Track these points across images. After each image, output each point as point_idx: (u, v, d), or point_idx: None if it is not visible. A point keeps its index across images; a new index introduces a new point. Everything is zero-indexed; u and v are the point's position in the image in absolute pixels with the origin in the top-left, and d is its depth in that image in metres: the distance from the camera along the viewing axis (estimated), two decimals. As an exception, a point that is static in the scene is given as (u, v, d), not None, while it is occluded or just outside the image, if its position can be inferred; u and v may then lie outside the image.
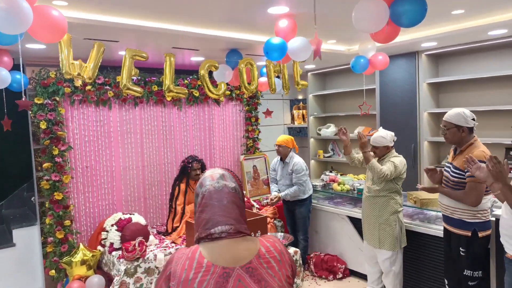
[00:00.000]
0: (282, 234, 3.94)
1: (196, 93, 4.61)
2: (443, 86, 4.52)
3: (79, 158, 3.95)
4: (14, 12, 1.61)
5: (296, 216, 4.21)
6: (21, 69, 1.91)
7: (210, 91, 3.18)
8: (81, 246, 3.63)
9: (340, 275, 4.07)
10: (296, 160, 4.17)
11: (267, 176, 5.33)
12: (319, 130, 5.65)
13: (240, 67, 3.33)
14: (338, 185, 4.30)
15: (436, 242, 3.35)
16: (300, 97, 6.25)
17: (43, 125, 3.64)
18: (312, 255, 4.27)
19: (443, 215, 2.93)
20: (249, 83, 3.48)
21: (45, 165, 3.68)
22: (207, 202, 1.15)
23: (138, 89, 2.81)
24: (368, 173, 3.72)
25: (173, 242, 3.80)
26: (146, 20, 2.83)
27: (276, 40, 2.70)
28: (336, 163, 5.65)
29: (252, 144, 5.24)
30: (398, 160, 3.39)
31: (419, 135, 4.39)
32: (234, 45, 3.57)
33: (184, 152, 4.68)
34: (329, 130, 5.49)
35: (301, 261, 3.76)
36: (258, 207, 4.64)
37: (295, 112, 6.16)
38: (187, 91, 3.05)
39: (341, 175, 4.98)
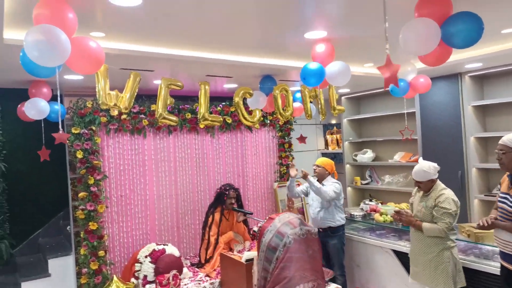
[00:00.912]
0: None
1: (228, 120, 4.56)
2: (490, 109, 4.24)
3: (113, 187, 3.94)
4: (52, 45, 1.60)
5: (329, 249, 3.95)
6: (59, 100, 1.90)
7: (245, 118, 3.10)
8: (115, 278, 3.54)
9: (385, 314, 3.76)
10: (332, 182, 4.01)
11: (302, 205, 5.13)
12: (355, 155, 5.43)
13: (275, 93, 3.25)
14: (381, 215, 4.05)
15: (494, 281, 3.02)
16: (333, 121, 6.09)
17: (79, 155, 3.67)
18: (352, 291, 3.99)
19: (501, 251, 2.65)
20: (283, 109, 3.39)
21: (81, 194, 3.69)
22: (291, 256, 0.97)
23: (174, 118, 2.77)
24: (415, 203, 3.47)
25: (207, 275, 3.65)
26: (180, 49, 2.83)
27: (313, 65, 2.61)
28: (375, 190, 5.39)
29: (285, 171, 5.09)
30: (448, 203, 3.10)
31: (466, 161, 4.10)
32: (268, 71, 3.51)
33: (217, 180, 4.59)
34: (366, 156, 5.27)
35: (342, 298, 3.50)
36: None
37: (328, 137, 5.99)
38: (221, 119, 2.98)
39: (381, 203, 4.71)
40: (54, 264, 3.99)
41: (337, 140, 5.96)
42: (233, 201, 3.96)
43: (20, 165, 4.59)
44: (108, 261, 3.84)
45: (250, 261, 3.14)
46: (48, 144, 3.53)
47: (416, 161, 4.63)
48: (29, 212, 4.66)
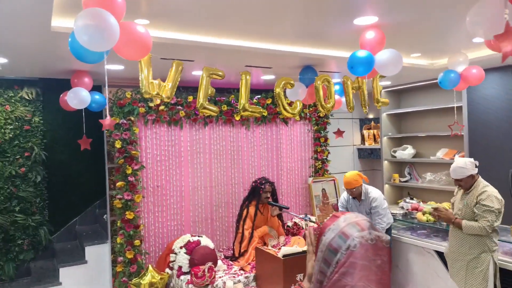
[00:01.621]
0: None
1: (264, 113, 4.47)
2: (547, 103, 3.94)
3: (150, 177, 3.95)
4: (102, 29, 1.56)
5: None
6: (106, 87, 1.86)
7: (285, 110, 3.00)
8: (150, 268, 3.56)
9: (427, 317, 3.59)
10: (374, 194, 3.68)
11: (337, 200, 4.99)
12: (394, 152, 5.22)
13: (317, 84, 3.13)
14: (423, 214, 3.86)
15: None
16: (371, 116, 5.88)
17: (118, 144, 3.69)
18: (391, 292, 3.82)
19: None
20: (325, 101, 3.26)
21: (119, 183, 3.71)
22: (355, 262, 0.85)
23: (214, 108, 2.70)
24: (456, 202, 3.29)
25: (241, 269, 3.60)
26: (220, 37, 2.76)
27: (362, 53, 2.47)
28: (414, 188, 5.17)
29: (321, 165, 4.96)
30: (491, 200, 2.92)
31: (519, 159, 3.84)
32: (309, 61, 3.38)
33: (251, 173, 4.53)
34: (406, 152, 5.05)
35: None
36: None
37: (365, 132, 5.79)
38: (261, 110, 2.90)
39: (422, 202, 4.50)
40: (91, 251, 4.06)
41: (374, 135, 5.75)
42: (268, 195, 3.89)
43: (60, 154, 4.69)
44: (143, 251, 3.86)
45: (287, 256, 3.07)
46: (88, 134, 3.57)
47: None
48: (67, 200, 4.76)
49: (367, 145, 5.75)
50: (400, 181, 5.17)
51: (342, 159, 5.61)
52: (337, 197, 5.00)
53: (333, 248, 0.89)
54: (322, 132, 4.96)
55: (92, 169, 4.85)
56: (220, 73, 2.67)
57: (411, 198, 4.40)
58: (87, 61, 1.77)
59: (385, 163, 5.29)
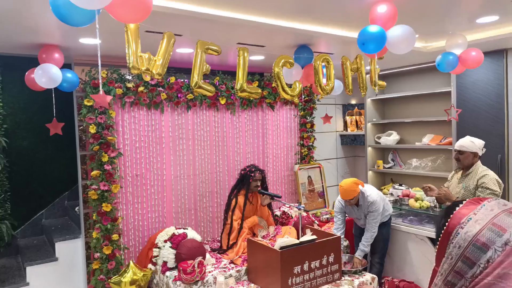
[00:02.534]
0: (348, 255, 3.46)
1: (262, 94, 4.21)
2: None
3: (128, 165, 3.60)
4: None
5: (376, 237, 3.65)
6: (98, 49, 1.53)
7: (285, 91, 2.76)
8: (131, 264, 3.26)
9: (420, 305, 3.55)
10: (372, 198, 3.41)
11: (322, 188, 4.86)
12: (378, 138, 5.15)
13: (316, 64, 2.91)
14: (416, 201, 3.78)
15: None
16: (353, 102, 5.77)
17: (92, 129, 3.32)
18: (383, 281, 3.75)
19: None
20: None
21: (94, 173, 3.35)
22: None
23: (210, 88, 2.42)
24: (451, 187, 3.23)
25: (231, 262, 3.37)
26: (211, 7, 2.47)
27: (374, 28, 2.27)
28: (396, 174, 5.13)
29: (307, 152, 4.79)
30: (494, 183, 2.90)
31: (507, 144, 3.84)
32: (305, 39, 3.15)
33: (236, 161, 4.28)
34: (391, 138, 4.98)
35: (378, 289, 3.26)
36: (318, 223, 4.17)
37: (348, 118, 5.68)
38: (260, 91, 2.65)
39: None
40: (62, 247, 3.67)
41: (356, 121, 5.66)
42: (258, 183, 3.66)
43: (22, 140, 4.22)
44: (122, 246, 3.54)
45: (285, 248, 2.87)
46: (59, 117, 3.17)
47: (448, 143, 4.37)
48: (32, 191, 4.31)
49: (349, 131, 5.65)
50: (384, 168, 5.12)
51: (325, 146, 5.49)
52: (322, 183, 4.86)
53: (481, 243, 0.69)
54: (309, 117, 4.78)
55: (60, 157, 4.41)
56: (216, 47, 2.39)
57: (400, 185, 4.33)
58: (73, 23, 1.44)
59: (369, 149, 5.21)
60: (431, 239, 3.56)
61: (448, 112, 3.40)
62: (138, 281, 3.20)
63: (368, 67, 3.24)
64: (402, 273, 3.82)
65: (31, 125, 4.19)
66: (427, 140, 4.65)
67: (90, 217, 3.48)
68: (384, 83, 3.36)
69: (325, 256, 3.07)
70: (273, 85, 4.22)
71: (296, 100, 2.86)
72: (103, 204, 3.37)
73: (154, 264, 3.34)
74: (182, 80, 3.81)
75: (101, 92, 1.51)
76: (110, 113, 3.41)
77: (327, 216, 4.27)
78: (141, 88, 3.52)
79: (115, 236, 3.43)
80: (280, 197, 3.62)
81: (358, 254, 3.43)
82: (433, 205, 3.70)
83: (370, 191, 3.48)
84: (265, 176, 3.76)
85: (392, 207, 3.90)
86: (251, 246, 3.18)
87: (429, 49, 3.81)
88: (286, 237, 3.26)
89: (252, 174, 3.61)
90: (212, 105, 4.05)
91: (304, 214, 3.77)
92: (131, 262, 3.28)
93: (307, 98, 4.69)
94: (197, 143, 4.00)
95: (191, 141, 3.96)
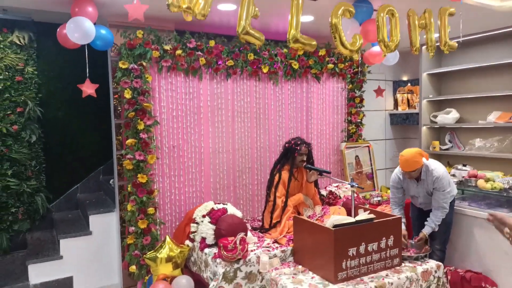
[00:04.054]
0: (412, 242, 3.05)
1: (295, 65, 3.86)
2: None
3: (165, 135, 3.36)
4: None
5: None
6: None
7: (343, 45, 2.39)
8: (168, 239, 3.02)
9: (491, 300, 3.10)
10: (437, 172, 3.00)
11: (371, 170, 4.44)
12: (435, 116, 4.64)
13: (379, 16, 2.51)
14: (486, 181, 3.31)
15: None
16: (405, 78, 5.28)
17: (127, 94, 3.08)
18: (445, 271, 3.31)
19: None
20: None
21: (129, 141, 3.13)
22: None
23: (259, 35, 2.10)
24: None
25: (275, 241, 3.06)
26: None
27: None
28: (454, 156, 4.61)
29: (355, 130, 4.38)
30: None
31: None
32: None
33: (278, 135, 3.95)
34: (450, 116, 4.47)
35: (444, 279, 2.84)
36: (368, 205, 3.77)
37: (399, 96, 5.20)
38: (315, 43, 2.29)
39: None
40: (96, 221, 3.52)
41: (408, 99, 5.16)
42: (304, 158, 3.32)
43: (58, 110, 4.09)
44: (158, 220, 3.31)
45: (338, 227, 2.52)
46: (93, 79, 2.95)
47: (521, 121, 3.83)
48: (67, 164, 4.20)
49: (400, 110, 5.16)
50: (440, 149, 4.61)
51: (373, 126, 5.03)
52: (371, 165, 4.45)
53: None
54: (358, 91, 4.36)
55: (96, 128, 4.26)
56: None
57: (464, 165, 3.85)
58: None
59: (424, 129, 4.71)
60: (504, 225, 3.09)
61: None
62: (175, 258, 2.95)
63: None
64: (467, 262, 3.37)
65: (66, 95, 4.05)
66: (494, 117, 4.11)
67: (125, 189, 3.27)
68: (455, 44, 2.90)
69: (383, 238, 2.69)
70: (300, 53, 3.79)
71: (356, 57, 2.51)
72: (139, 175, 3.15)
73: (192, 240, 3.08)
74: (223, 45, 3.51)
75: (135, 1, 1.22)
76: (146, 77, 3.16)
77: (379, 198, 3.86)
78: (179, 51, 3.25)
79: (150, 210, 3.20)
80: (329, 173, 3.27)
81: (427, 231, 3.04)
82: (508, 187, 3.21)
83: (436, 165, 3.06)
84: (311, 150, 3.40)
85: (460, 189, 3.45)
86: (298, 224, 2.85)
87: (503, 9, 3.28)
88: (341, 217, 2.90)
89: (298, 148, 3.27)
90: (254, 74, 3.72)
91: (355, 194, 3.39)
92: (167, 237, 3.04)
93: (356, 69, 4.27)
94: (236, 114, 3.70)
95: (230, 113, 3.67)
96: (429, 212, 3.15)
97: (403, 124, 5.13)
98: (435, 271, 2.77)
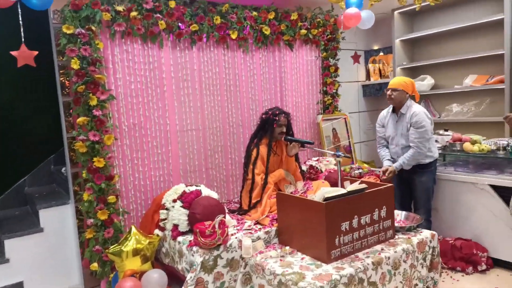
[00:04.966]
0: (405, 213, 2.85)
1: (266, 31, 3.51)
2: None
3: (123, 112, 2.92)
4: None
5: (415, 189, 3.12)
6: None
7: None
8: (133, 229, 2.62)
9: (484, 267, 2.97)
10: (416, 109, 3.07)
11: (349, 142, 4.23)
12: (410, 84, 4.47)
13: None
14: (473, 144, 3.16)
15: None
16: (375, 47, 5.08)
17: (75, 65, 2.62)
18: (436, 240, 3.17)
19: None
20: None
21: (80, 119, 2.67)
22: None
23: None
24: None
25: (257, 222, 2.75)
26: None
27: None
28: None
29: (330, 101, 4.13)
30: None
31: None
32: None
33: (252, 109, 3.62)
34: (425, 83, 4.32)
35: (438, 249, 2.66)
36: (349, 179, 3.54)
37: (371, 66, 5.00)
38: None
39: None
40: (47, 216, 3.05)
41: (379, 70, 4.98)
42: (284, 129, 3.01)
43: (-5, 92, 3.51)
44: (120, 209, 2.90)
45: (329, 200, 2.25)
46: (31, 45, 2.45)
47: (498, 82, 3.74)
48: (12, 155, 3.64)
49: (372, 80, 4.98)
50: (417, 118, 4.46)
51: (347, 98, 4.79)
52: (348, 138, 4.23)
53: None
54: (332, 59, 4.09)
55: (43, 112, 3.72)
56: None
57: (446, 130, 3.71)
58: None
59: (399, 98, 4.53)
60: (493, 187, 2.96)
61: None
62: (143, 251, 2.57)
63: None
64: (454, 230, 3.24)
65: (5, 75, 3.47)
66: (470, 81, 4.00)
67: (80, 176, 2.82)
68: (440, -3, 2.67)
69: (376, 209, 2.45)
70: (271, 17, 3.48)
71: (342, 4, 2.16)
72: (94, 159, 2.71)
73: (162, 229, 2.71)
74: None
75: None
76: (97, 43, 2.70)
77: (360, 171, 3.65)
78: (133, 13, 2.80)
79: (111, 198, 2.78)
80: (313, 144, 2.97)
81: (396, 165, 3.12)
82: (496, 148, 3.07)
83: (418, 106, 3.12)
84: (291, 120, 3.09)
85: (443, 153, 3.31)
86: (282, 201, 2.55)
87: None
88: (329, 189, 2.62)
89: (276, 118, 2.95)
90: (221, 41, 3.34)
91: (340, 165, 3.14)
92: (132, 228, 2.64)
93: (330, 36, 3.99)
94: (205, 87, 3.32)
95: (197, 85, 3.28)
96: (412, 178, 3.09)
97: (376, 95, 4.95)
98: (430, 241, 2.57)
